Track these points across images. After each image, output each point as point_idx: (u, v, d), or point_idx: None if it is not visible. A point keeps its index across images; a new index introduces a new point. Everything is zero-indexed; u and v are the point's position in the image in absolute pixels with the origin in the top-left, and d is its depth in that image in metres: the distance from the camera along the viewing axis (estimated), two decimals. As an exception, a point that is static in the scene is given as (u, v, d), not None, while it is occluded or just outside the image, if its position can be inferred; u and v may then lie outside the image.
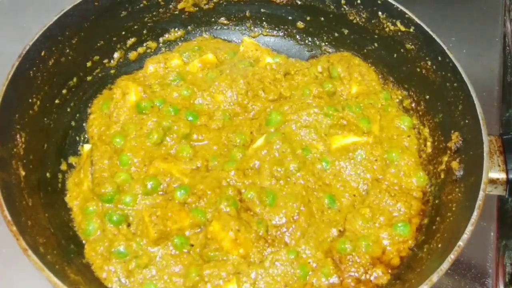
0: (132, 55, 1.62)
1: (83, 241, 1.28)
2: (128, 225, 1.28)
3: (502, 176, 1.20)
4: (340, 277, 1.21)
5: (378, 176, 1.36)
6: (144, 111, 1.44)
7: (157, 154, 1.37)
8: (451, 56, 1.34)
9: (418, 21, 1.43)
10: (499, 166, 1.21)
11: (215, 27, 1.71)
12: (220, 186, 1.30)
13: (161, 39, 1.66)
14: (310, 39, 1.69)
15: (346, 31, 1.63)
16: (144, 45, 1.64)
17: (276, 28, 1.71)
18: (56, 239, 1.23)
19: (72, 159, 1.42)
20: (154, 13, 1.62)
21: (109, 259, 1.23)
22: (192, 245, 1.24)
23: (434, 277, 1.05)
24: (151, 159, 1.35)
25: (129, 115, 1.44)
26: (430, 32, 1.40)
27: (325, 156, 1.37)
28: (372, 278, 1.22)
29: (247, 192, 1.29)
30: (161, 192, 1.31)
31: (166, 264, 1.21)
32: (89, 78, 1.53)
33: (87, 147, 1.41)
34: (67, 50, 1.44)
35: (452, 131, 1.33)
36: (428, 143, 1.43)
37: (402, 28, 1.47)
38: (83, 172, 1.35)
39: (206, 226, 1.25)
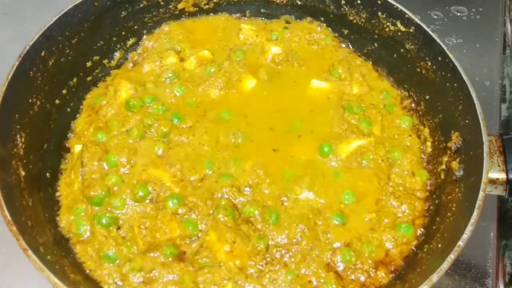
0: (132, 55, 1.62)
1: (71, 242, 1.25)
2: (118, 228, 1.26)
3: (502, 176, 1.20)
4: (343, 287, 1.20)
5: (384, 177, 1.36)
6: (132, 109, 1.43)
7: (140, 152, 1.36)
8: (451, 56, 1.34)
9: (418, 21, 1.43)
10: (499, 166, 1.21)
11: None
12: (212, 198, 1.28)
13: (161, 39, 1.67)
14: (310, 39, 1.69)
15: (346, 31, 1.63)
16: (145, 45, 1.64)
17: (276, 28, 1.71)
18: (55, 239, 1.23)
19: (72, 159, 1.42)
20: (154, 13, 1.62)
21: (101, 263, 1.21)
22: (184, 253, 1.23)
23: (434, 277, 1.05)
24: (135, 152, 1.34)
25: (117, 112, 1.44)
26: (430, 32, 1.40)
27: (337, 169, 1.37)
28: (374, 280, 1.21)
29: (248, 208, 1.27)
30: (147, 201, 1.29)
31: (159, 274, 1.18)
32: (89, 78, 1.53)
33: (77, 148, 1.40)
34: (67, 50, 1.43)
35: (452, 131, 1.33)
36: (428, 143, 1.43)
37: (402, 28, 1.47)
38: (74, 173, 1.34)
39: (200, 236, 1.23)
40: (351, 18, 1.58)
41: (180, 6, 1.64)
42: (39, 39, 1.33)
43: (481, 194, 1.13)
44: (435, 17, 1.91)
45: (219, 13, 1.69)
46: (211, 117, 1.44)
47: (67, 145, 1.42)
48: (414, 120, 1.48)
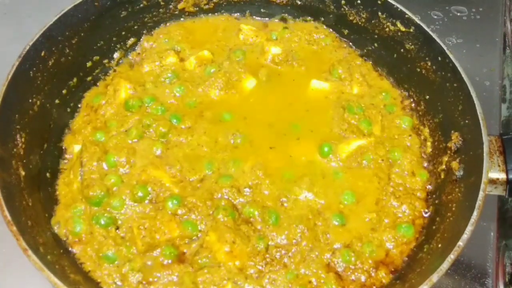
0: (132, 55, 1.62)
1: (70, 242, 1.25)
2: (117, 228, 1.25)
3: (502, 176, 1.20)
4: (343, 287, 1.20)
5: (384, 177, 1.36)
6: (131, 109, 1.43)
7: (139, 152, 1.35)
8: (451, 56, 1.34)
9: (418, 21, 1.43)
10: (499, 166, 1.21)
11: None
12: (211, 199, 1.28)
13: (161, 39, 1.67)
14: (310, 39, 1.69)
15: (346, 31, 1.63)
16: (144, 45, 1.64)
17: (276, 28, 1.71)
18: (55, 239, 1.23)
19: (72, 159, 1.42)
20: (154, 13, 1.62)
21: (100, 263, 1.20)
22: (184, 253, 1.22)
23: (434, 277, 1.05)
24: (134, 152, 1.34)
25: (116, 112, 1.43)
26: (430, 32, 1.40)
27: (337, 169, 1.36)
28: (374, 280, 1.21)
29: (248, 208, 1.27)
30: (147, 201, 1.28)
31: (160, 275, 1.18)
32: (89, 78, 1.53)
33: (77, 147, 1.39)
34: (67, 50, 1.44)
35: (452, 131, 1.33)
36: (428, 143, 1.43)
37: (402, 28, 1.47)
38: (73, 173, 1.34)
39: (199, 237, 1.23)
40: (351, 18, 1.59)
41: (180, 6, 1.64)
42: (39, 39, 1.33)
43: (481, 194, 1.13)
44: (435, 17, 1.91)
45: (219, 13, 1.70)
46: (210, 117, 1.44)
47: (63, 142, 1.41)
48: (414, 120, 1.48)
